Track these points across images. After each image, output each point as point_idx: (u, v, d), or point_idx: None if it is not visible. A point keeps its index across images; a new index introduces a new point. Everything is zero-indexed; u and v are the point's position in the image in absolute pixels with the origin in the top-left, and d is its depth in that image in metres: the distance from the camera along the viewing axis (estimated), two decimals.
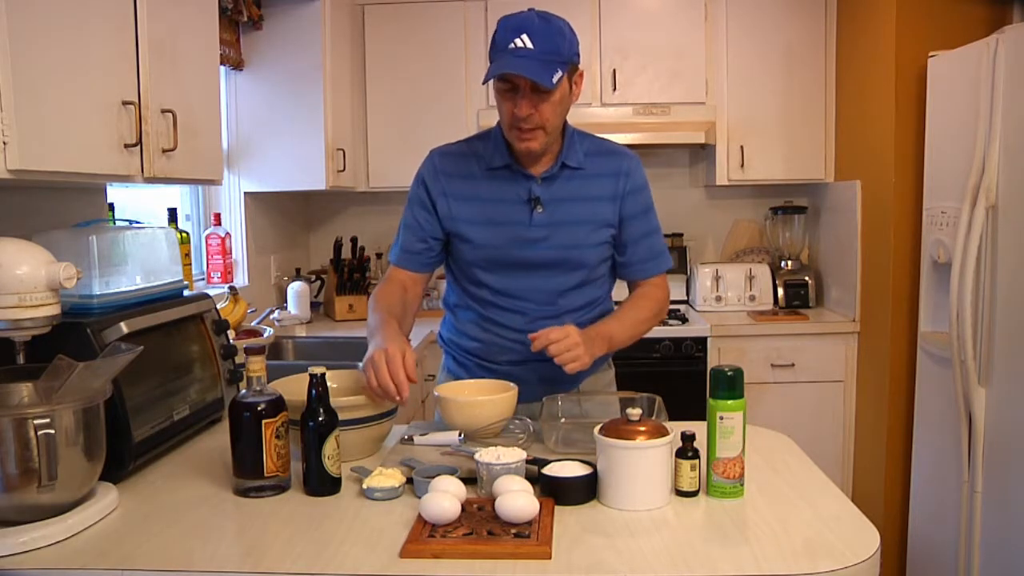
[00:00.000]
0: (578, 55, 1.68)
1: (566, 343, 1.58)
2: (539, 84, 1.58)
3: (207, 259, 3.01)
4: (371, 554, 1.16)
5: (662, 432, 1.32)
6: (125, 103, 1.66)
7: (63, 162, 1.48)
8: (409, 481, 1.39)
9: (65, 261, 1.34)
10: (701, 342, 3.30)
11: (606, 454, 1.32)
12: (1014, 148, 2.29)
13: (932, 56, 2.75)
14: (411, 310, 1.80)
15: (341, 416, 1.42)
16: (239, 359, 1.81)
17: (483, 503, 1.29)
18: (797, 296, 3.66)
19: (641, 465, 1.30)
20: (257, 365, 1.40)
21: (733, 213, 3.97)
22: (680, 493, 1.35)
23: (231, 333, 2.20)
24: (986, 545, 2.43)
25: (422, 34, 3.57)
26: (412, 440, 1.62)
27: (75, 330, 1.42)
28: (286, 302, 3.43)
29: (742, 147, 3.53)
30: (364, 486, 1.37)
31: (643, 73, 3.52)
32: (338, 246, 3.65)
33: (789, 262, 3.75)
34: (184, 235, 2.61)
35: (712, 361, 3.30)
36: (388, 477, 1.37)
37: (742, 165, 3.55)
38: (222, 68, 2.90)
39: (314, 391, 1.38)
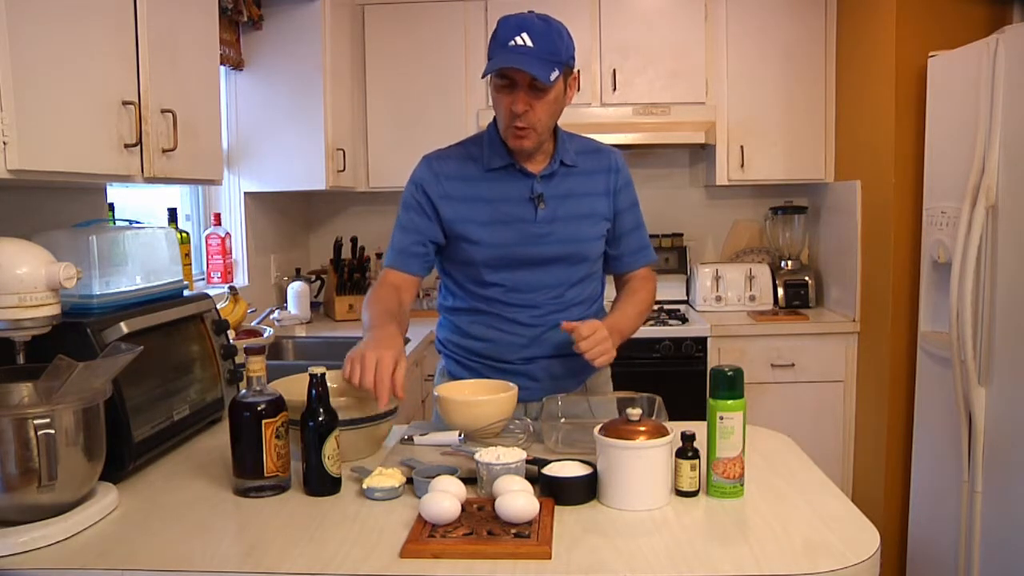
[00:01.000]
0: (574, 59, 1.71)
1: (596, 338, 1.63)
2: (537, 80, 1.61)
3: (207, 259, 3.01)
4: (371, 554, 1.16)
5: (662, 432, 1.32)
6: (125, 103, 1.66)
7: (63, 162, 1.48)
8: (409, 481, 1.39)
9: (65, 261, 1.34)
10: (701, 342, 3.30)
11: (606, 454, 1.32)
12: (1014, 148, 2.29)
13: (932, 56, 2.75)
14: (406, 312, 1.78)
15: (341, 416, 1.42)
16: (239, 359, 1.81)
17: (483, 503, 1.29)
18: (797, 296, 3.66)
19: (641, 465, 1.30)
20: (257, 365, 1.40)
21: (733, 213, 3.97)
22: (680, 493, 1.35)
23: (231, 333, 2.20)
24: (986, 545, 2.43)
25: (422, 34, 3.57)
26: (412, 440, 1.62)
27: (75, 330, 1.42)
28: (286, 302, 3.43)
29: (742, 147, 3.53)
30: (364, 486, 1.37)
31: (643, 73, 3.52)
32: (338, 246, 3.66)
33: (789, 262, 3.75)
34: (184, 235, 2.61)
35: (712, 361, 3.30)
36: (388, 477, 1.37)
37: (742, 165, 3.55)
38: (222, 68, 2.90)
39: (314, 391, 1.38)
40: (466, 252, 1.80)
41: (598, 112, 3.51)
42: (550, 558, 1.14)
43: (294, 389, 1.49)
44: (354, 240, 3.72)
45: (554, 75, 1.63)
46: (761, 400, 3.29)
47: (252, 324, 2.81)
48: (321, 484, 1.38)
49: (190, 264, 2.69)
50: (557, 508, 1.29)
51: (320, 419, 1.37)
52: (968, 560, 2.49)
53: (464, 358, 1.89)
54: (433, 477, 1.32)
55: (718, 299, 3.64)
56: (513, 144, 1.73)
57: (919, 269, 2.83)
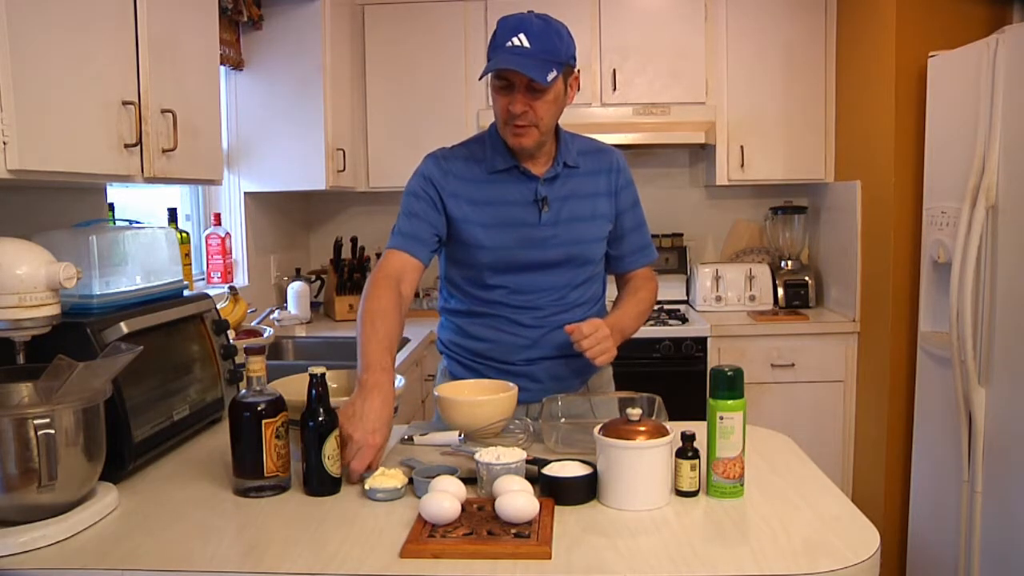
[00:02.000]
0: (575, 58, 1.71)
1: (597, 336, 1.64)
2: (534, 81, 1.61)
3: (207, 259, 3.01)
4: (371, 554, 1.16)
5: (662, 432, 1.32)
6: (125, 103, 1.66)
7: (63, 162, 1.48)
8: (410, 481, 1.39)
9: (65, 261, 1.34)
10: (701, 342, 3.30)
11: (606, 454, 1.32)
12: (1014, 148, 2.29)
13: (932, 56, 2.75)
14: (406, 306, 1.71)
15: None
16: (239, 359, 1.81)
17: (483, 503, 1.29)
18: (797, 296, 3.66)
19: (641, 465, 1.30)
20: (257, 365, 1.40)
21: (733, 213, 3.97)
22: (680, 493, 1.35)
23: (231, 333, 2.20)
24: (986, 545, 2.43)
25: (422, 34, 3.57)
26: (412, 440, 1.62)
27: (75, 330, 1.42)
28: (286, 302, 3.43)
29: (742, 147, 3.53)
30: (366, 487, 1.36)
31: (643, 73, 3.52)
32: (338, 246, 3.66)
33: (789, 262, 3.75)
34: (184, 235, 2.61)
35: (712, 361, 3.30)
36: (390, 478, 1.37)
37: (742, 165, 3.55)
38: (222, 68, 2.90)
39: (314, 391, 1.38)
40: (469, 255, 1.79)
41: (598, 112, 3.51)
42: (550, 558, 1.13)
43: (294, 389, 1.49)
44: (354, 240, 3.72)
45: (551, 75, 1.62)
46: (761, 400, 3.29)
47: (252, 324, 2.81)
48: (321, 484, 1.38)
49: (190, 264, 2.69)
50: (557, 508, 1.29)
51: (320, 419, 1.37)
52: (968, 560, 2.49)
53: (466, 359, 1.89)
54: (433, 477, 1.32)
55: (718, 299, 3.64)
56: (512, 143, 1.72)
57: (919, 269, 2.83)
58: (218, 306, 1.95)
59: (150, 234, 1.78)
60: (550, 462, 1.39)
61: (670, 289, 3.76)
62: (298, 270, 3.64)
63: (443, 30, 3.56)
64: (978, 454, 2.42)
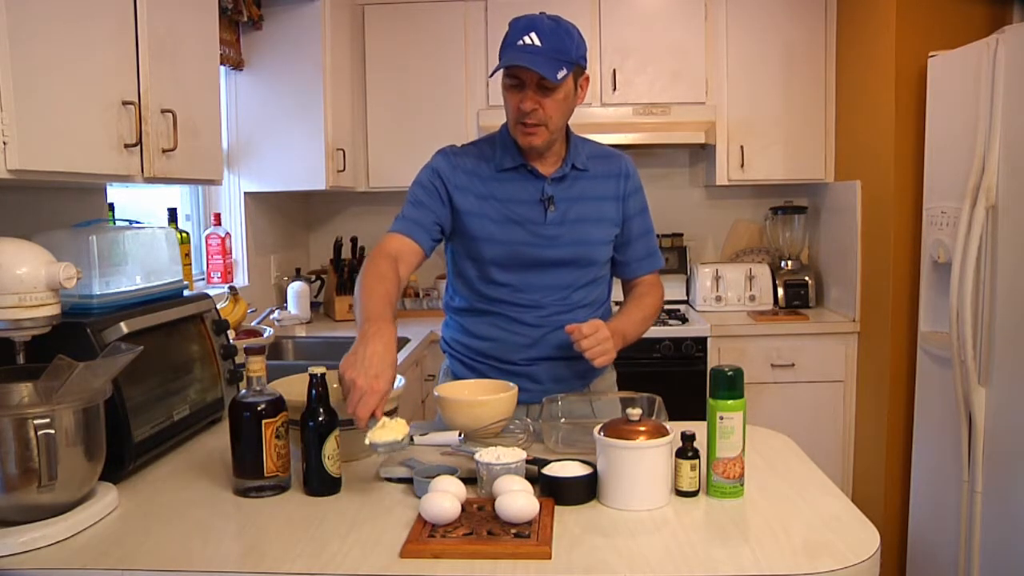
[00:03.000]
0: (585, 59, 1.73)
1: (597, 337, 1.64)
2: (544, 79, 1.62)
3: (207, 259, 3.01)
4: (371, 554, 1.16)
5: (662, 432, 1.32)
6: (125, 103, 1.66)
7: (63, 162, 1.48)
8: (410, 480, 1.39)
9: (65, 261, 1.34)
10: (701, 342, 3.30)
11: (606, 454, 1.32)
12: (1014, 148, 2.29)
13: (932, 56, 2.75)
14: (401, 287, 1.69)
15: (341, 416, 1.42)
16: (239, 359, 1.81)
17: (483, 503, 1.29)
18: (797, 296, 3.66)
19: (641, 465, 1.30)
20: (257, 365, 1.40)
21: (733, 213, 3.97)
22: (680, 493, 1.35)
23: (231, 333, 2.20)
24: (986, 545, 2.43)
25: (422, 34, 3.57)
26: (412, 440, 1.62)
27: (75, 330, 1.42)
28: (286, 302, 3.43)
29: (742, 147, 3.53)
30: (367, 441, 1.34)
31: (643, 73, 3.52)
32: (338, 246, 3.66)
33: (789, 262, 3.75)
34: (184, 235, 2.61)
35: (712, 361, 3.30)
36: (391, 430, 1.35)
37: (742, 165, 3.55)
38: (222, 68, 2.90)
39: (314, 391, 1.38)
40: (476, 249, 1.80)
41: (598, 112, 3.51)
42: (550, 558, 1.14)
43: (294, 389, 1.49)
44: (354, 240, 3.72)
45: (562, 73, 1.64)
46: (761, 400, 3.29)
47: (252, 324, 2.81)
48: (321, 484, 1.38)
49: (190, 264, 2.69)
50: (557, 508, 1.29)
51: (320, 419, 1.37)
52: (968, 560, 2.49)
53: (469, 358, 1.90)
54: (433, 477, 1.32)
55: (718, 299, 3.64)
56: (523, 141, 1.74)
57: (919, 269, 2.83)
58: (218, 306, 1.95)
59: (150, 234, 1.78)
60: (550, 462, 1.39)
61: (670, 289, 3.75)
62: (298, 270, 3.64)
63: (443, 30, 3.56)
64: (978, 454, 2.42)
